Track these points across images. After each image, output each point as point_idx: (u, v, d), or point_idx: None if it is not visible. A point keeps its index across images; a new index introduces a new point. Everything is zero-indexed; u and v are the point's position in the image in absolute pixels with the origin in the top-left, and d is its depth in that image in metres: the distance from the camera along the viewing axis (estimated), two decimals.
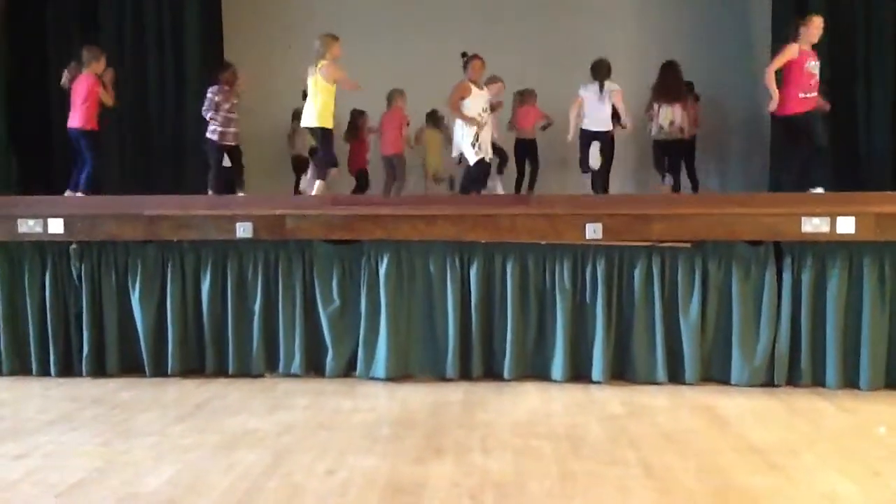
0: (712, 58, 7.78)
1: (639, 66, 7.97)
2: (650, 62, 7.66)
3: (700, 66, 7.58)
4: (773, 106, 5.92)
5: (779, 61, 5.87)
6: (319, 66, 5.71)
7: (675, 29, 8.31)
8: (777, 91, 5.85)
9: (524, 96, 7.77)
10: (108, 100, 6.39)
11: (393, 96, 7.61)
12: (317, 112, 5.78)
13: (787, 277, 4.60)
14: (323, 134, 5.92)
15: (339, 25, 8.33)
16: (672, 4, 8.53)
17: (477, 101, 6.21)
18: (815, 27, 5.86)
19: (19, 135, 7.24)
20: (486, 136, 6.31)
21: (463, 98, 6.18)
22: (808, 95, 5.87)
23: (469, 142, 6.23)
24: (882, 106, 7.14)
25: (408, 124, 7.80)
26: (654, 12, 8.53)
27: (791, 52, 5.84)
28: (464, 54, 6.27)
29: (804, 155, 6.00)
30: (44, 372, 4.91)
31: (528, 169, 7.79)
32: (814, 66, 5.87)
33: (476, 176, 6.34)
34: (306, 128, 6.08)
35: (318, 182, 6.05)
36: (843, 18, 7.22)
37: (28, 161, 7.28)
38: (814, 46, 5.92)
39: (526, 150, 7.78)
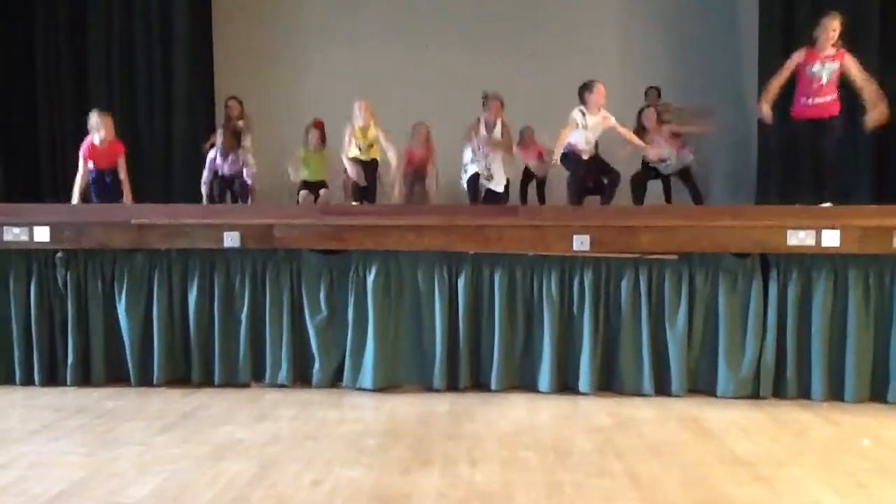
0: (699, 77, 7.77)
1: (625, 91, 8.01)
2: (637, 86, 7.67)
3: (687, 85, 7.59)
4: None
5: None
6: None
7: (662, 50, 8.33)
8: None
9: (524, 135, 7.46)
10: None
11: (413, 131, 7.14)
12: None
13: (773, 290, 4.63)
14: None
15: (328, 32, 8.46)
16: (657, 26, 8.54)
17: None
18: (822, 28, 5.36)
19: (5, 142, 7.20)
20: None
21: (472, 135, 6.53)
22: (811, 102, 5.43)
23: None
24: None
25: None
26: (639, 35, 8.52)
27: (798, 55, 5.43)
28: (485, 94, 6.41)
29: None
30: (28, 381, 4.86)
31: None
32: (817, 69, 5.37)
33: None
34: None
35: None
36: None
37: (14, 169, 7.24)
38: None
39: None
